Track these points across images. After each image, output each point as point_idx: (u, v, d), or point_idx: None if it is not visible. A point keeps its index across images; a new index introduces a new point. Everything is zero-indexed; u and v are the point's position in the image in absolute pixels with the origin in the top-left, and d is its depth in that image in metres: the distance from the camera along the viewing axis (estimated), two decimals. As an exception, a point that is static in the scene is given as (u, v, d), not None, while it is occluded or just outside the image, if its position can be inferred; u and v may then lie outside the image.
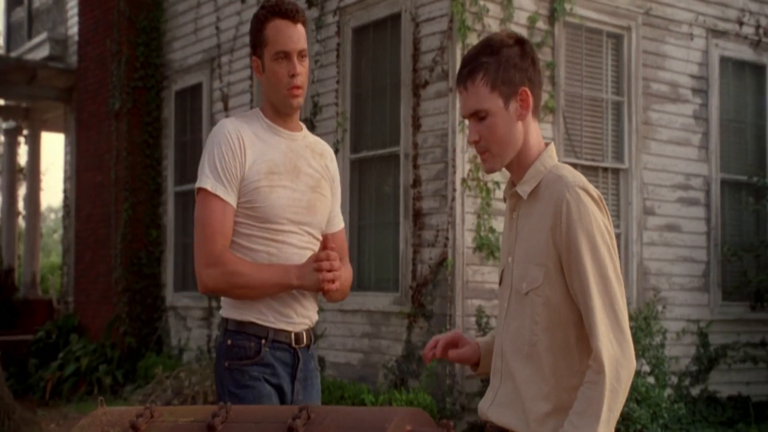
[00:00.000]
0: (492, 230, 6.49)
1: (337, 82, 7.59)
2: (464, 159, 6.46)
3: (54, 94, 11.75)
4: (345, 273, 2.66)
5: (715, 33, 7.86)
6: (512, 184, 2.14)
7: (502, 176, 6.52)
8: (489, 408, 2.09)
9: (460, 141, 6.44)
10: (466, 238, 6.41)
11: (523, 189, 2.08)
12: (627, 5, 7.34)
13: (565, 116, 6.98)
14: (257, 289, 2.53)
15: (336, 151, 7.50)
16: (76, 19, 11.53)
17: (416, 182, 6.72)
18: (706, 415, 7.21)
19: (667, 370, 6.34)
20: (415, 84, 6.79)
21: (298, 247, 2.61)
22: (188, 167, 9.67)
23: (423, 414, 1.82)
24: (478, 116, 2.06)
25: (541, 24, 6.90)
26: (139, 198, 9.88)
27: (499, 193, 6.55)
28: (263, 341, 2.55)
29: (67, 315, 11.11)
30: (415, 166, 6.74)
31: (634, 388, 5.80)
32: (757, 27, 8.16)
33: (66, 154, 12.05)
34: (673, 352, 7.09)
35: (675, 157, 7.57)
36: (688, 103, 7.69)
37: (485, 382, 6.05)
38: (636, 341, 6.18)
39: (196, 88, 9.51)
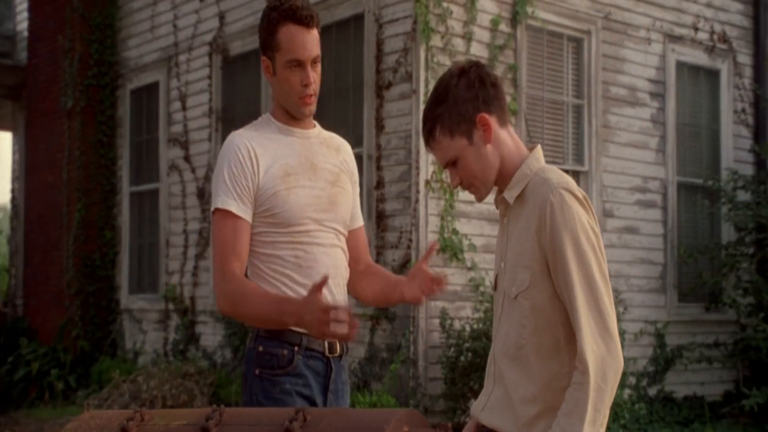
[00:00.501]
0: (455, 232, 6.53)
1: (299, 82, 7.56)
2: (428, 161, 6.49)
3: (1, 92, 11.51)
4: (375, 270, 2.68)
5: (672, 38, 8.03)
6: (500, 191, 2.18)
7: (465, 178, 6.57)
8: (481, 411, 2.12)
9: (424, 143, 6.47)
10: (429, 240, 6.44)
11: (510, 194, 2.12)
12: (587, 9, 7.46)
13: (527, 119, 7.06)
14: (259, 320, 2.47)
15: (297, 152, 7.49)
16: (25, 14, 11.31)
17: (380, 184, 6.74)
18: (663, 415, 7.35)
19: (626, 370, 6.45)
20: (379, 85, 6.81)
21: (326, 246, 2.54)
22: (144, 167, 9.55)
23: (418, 415, 1.83)
24: (451, 163, 2.14)
25: (503, 27, 6.97)
26: (93, 198, 9.73)
27: (463, 195, 6.60)
28: (296, 349, 2.47)
29: (15, 318, 10.89)
30: (379, 168, 6.75)
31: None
32: (712, 33, 8.35)
33: (14, 153, 11.81)
34: (631, 353, 7.21)
35: (633, 160, 7.71)
36: (645, 107, 7.84)
37: (449, 384, 6.10)
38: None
39: (153, 87, 9.40)
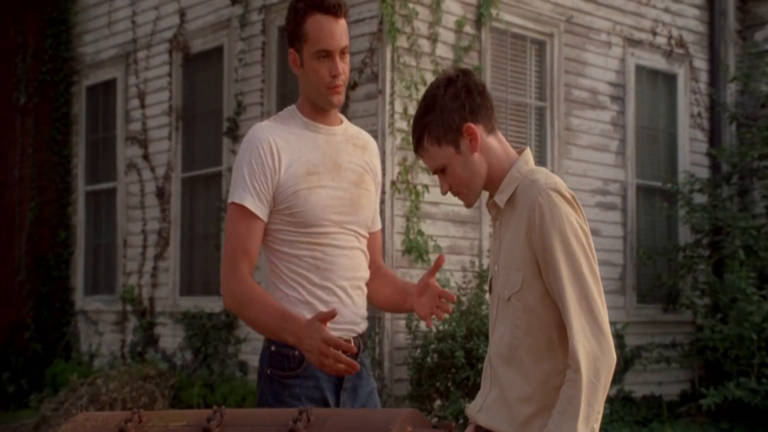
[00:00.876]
0: (421, 233, 6.57)
1: (263, 81, 7.54)
2: (394, 161, 6.52)
3: (-50, 87, 11.24)
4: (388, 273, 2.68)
5: (631, 42, 8.17)
6: (491, 195, 2.21)
7: (431, 180, 6.61)
8: (478, 412, 2.14)
9: (390, 143, 6.50)
10: (395, 241, 6.47)
11: (500, 198, 2.16)
12: (550, 12, 7.56)
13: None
14: (259, 330, 2.46)
15: (260, 152, 7.46)
16: (-24, 8, 11.06)
17: (345, 184, 6.73)
18: (623, 414, 7.48)
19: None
20: (344, 85, 6.80)
21: (344, 248, 2.49)
22: (101, 165, 9.42)
23: (419, 414, 1.85)
24: (439, 171, 2.18)
25: (468, 28, 7.03)
26: (47, 197, 9.56)
27: (429, 196, 6.64)
28: None
29: (-36, 320, 10.64)
30: (344, 168, 6.75)
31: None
32: (669, 38, 8.52)
33: (-37, 150, 11.54)
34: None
35: (594, 162, 7.83)
36: (606, 110, 7.97)
37: (414, 385, 6.13)
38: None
39: (110, 84, 9.27)
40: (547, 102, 7.53)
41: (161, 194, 8.49)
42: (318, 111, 2.53)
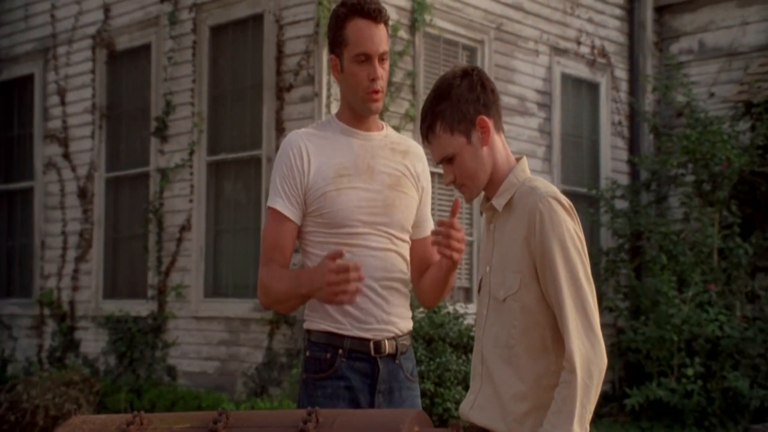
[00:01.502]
0: (356, 236, 6.63)
1: (193, 81, 7.48)
2: (330, 164, 6.56)
3: None
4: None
5: (557, 51, 8.44)
6: (487, 198, 2.29)
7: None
8: (470, 410, 2.22)
9: (326, 146, 6.53)
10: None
11: (498, 202, 2.24)
12: (481, 19, 7.73)
13: (424, 125, 7.25)
14: (284, 300, 2.48)
15: (191, 153, 7.40)
16: None
17: (280, 187, 6.74)
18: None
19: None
20: (279, 87, 6.82)
21: (375, 249, 2.51)
22: (15, 164, 9.15)
23: (424, 415, 1.91)
24: (447, 160, 2.24)
25: (402, 33, 7.14)
26: (-43, 196, 9.23)
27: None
28: (340, 351, 2.47)
29: None
30: (279, 171, 6.76)
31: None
32: (593, 47, 8.83)
33: None
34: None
35: (522, 168, 8.04)
36: (534, 117, 8.20)
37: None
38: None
39: (27, 80, 9.01)
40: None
41: (83, 194, 8.30)
42: (357, 117, 2.57)
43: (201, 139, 7.38)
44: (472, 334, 6.47)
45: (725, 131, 7.73)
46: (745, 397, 7.34)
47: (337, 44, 2.53)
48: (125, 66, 8.20)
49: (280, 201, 2.50)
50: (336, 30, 2.52)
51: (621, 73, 9.10)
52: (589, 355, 2.08)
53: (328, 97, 6.56)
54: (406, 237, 2.60)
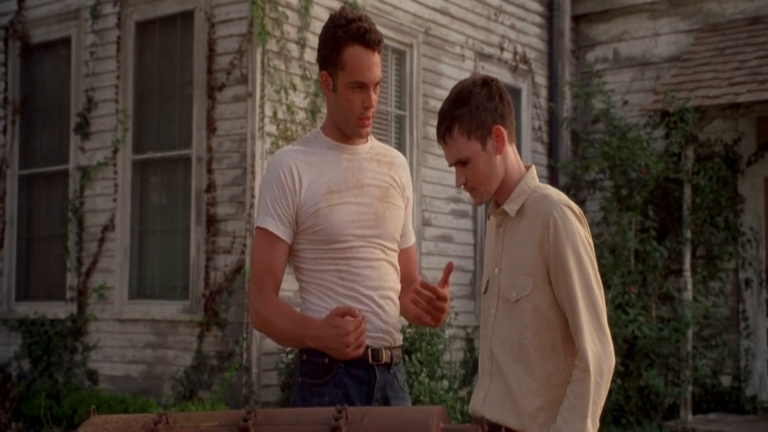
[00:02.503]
0: (289, 238, 6.69)
1: (117, 77, 7.39)
2: (263, 165, 6.60)
3: None
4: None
5: (482, 56, 8.69)
6: (496, 203, 2.43)
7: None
8: (482, 406, 2.36)
9: (260, 146, 6.58)
10: (264, 246, 6.54)
11: (511, 207, 2.38)
12: (410, 23, 7.91)
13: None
14: (287, 340, 2.55)
15: (115, 151, 7.31)
16: None
17: (211, 187, 6.75)
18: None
19: (444, 374, 6.94)
20: (211, 86, 6.82)
21: (370, 260, 2.57)
22: None
23: (445, 412, 2.03)
24: (460, 162, 2.36)
25: (335, 35, 7.23)
26: None
27: (296, 201, 6.77)
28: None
29: None
30: (210, 171, 6.76)
31: (433, 392, 6.30)
32: (515, 54, 9.13)
33: None
34: (445, 356, 7.72)
35: (449, 171, 8.24)
36: (459, 121, 8.41)
37: (285, 390, 6.25)
38: (420, 350, 6.72)
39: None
40: (406, 111, 7.88)
41: (-5, 192, 8.08)
42: (343, 134, 2.64)
43: (126, 137, 7.29)
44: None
45: (643, 138, 8.13)
46: (660, 394, 7.74)
47: (331, 64, 2.56)
48: (42, 59, 8.02)
49: (272, 221, 2.54)
50: (332, 51, 2.55)
51: (541, 80, 9.43)
52: (600, 355, 2.24)
53: (262, 97, 6.60)
54: (396, 247, 2.67)
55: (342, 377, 2.52)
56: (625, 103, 9.41)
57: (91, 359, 7.33)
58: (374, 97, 2.58)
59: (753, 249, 8.63)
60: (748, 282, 8.60)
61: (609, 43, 9.80)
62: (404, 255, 2.72)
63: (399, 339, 2.64)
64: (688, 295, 7.93)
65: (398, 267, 2.68)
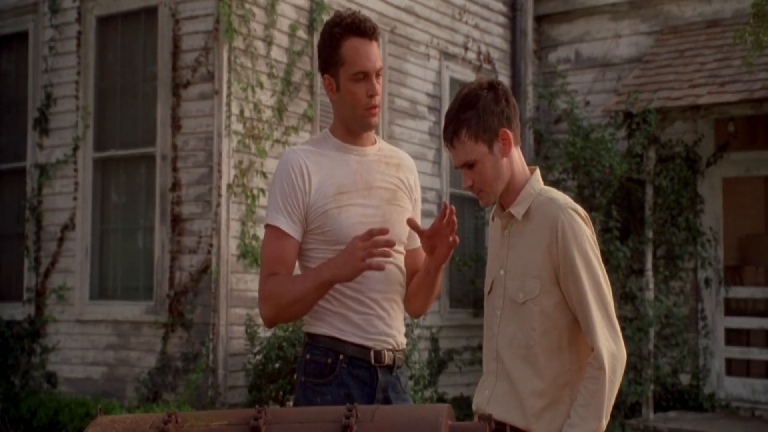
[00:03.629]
0: (256, 238, 6.71)
1: (78, 73, 7.33)
2: (230, 164, 6.61)
3: None
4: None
5: (447, 55, 8.79)
6: (501, 205, 2.50)
7: (266, 184, 6.78)
8: (487, 404, 2.43)
9: (226, 145, 6.59)
10: (230, 245, 6.57)
11: (517, 210, 2.44)
12: (376, 21, 7.94)
13: (321, 126, 7.41)
14: (302, 299, 2.53)
15: (75, 149, 7.26)
16: None
17: (176, 186, 6.74)
18: (436, 415, 8.03)
19: (417, 374, 7.02)
20: (176, 83, 6.81)
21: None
22: None
23: (451, 410, 2.10)
24: (467, 165, 2.42)
25: (301, 33, 7.27)
26: None
27: (263, 201, 6.79)
28: (341, 357, 2.56)
29: None
30: (175, 169, 6.75)
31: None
32: (479, 53, 9.25)
33: None
34: (413, 357, 7.81)
35: (414, 170, 8.33)
36: (425, 120, 8.52)
37: (253, 392, 6.27)
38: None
39: None
40: (372, 110, 7.93)
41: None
42: (351, 133, 2.67)
43: (87, 134, 7.24)
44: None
45: (607, 139, 8.30)
46: (623, 393, 7.91)
47: (332, 64, 2.61)
48: (-2, 54, 7.92)
49: (283, 219, 2.58)
50: (330, 50, 2.60)
51: (504, 80, 9.56)
52: (614, 352, 2.33)
53: (228, 95, 6.61)
54: (403, 249, 2.71)
55: (344, 377, 2.56)
56: (587, 103, 9.59)
57: (50, 361, 7.26)
58: (377, 86, 2.61)
59: (712, 249, 8.87)
60: (707, 281, 8.83)
61: (571, 43, 9.98)
62: (412, 255, 2.76)
63: (403, 342, 2.68)
64: (650, 294, 8.12)
65: (404, 269, 2.72)
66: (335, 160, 2.64)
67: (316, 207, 2.59)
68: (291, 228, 2.58)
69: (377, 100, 2.62)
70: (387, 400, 2.61)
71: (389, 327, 2.63)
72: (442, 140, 2.51)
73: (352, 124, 2.65)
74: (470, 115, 2.40)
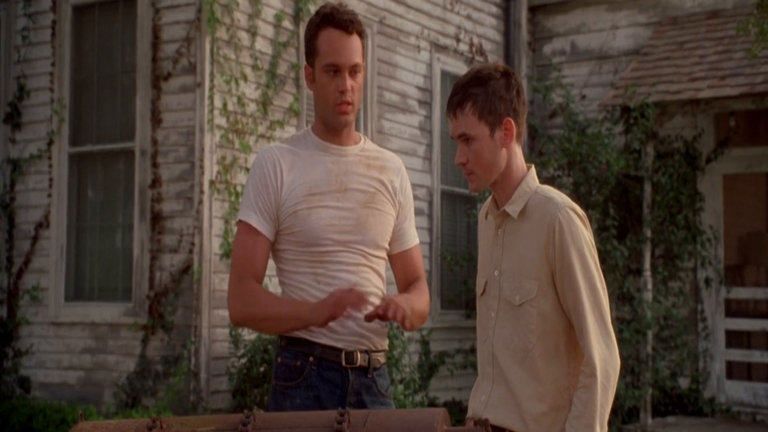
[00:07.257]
0: (239, 236, 6.69)
1: (53, 64, 7.30)
2: (213, 160, 6.60)
3: None
4: (418, 296, 2.68)
5: (438, 47, 8.80)
6: (495, 203, 2.50)
7: (251, 180, 6.76)
8: (484, 409, 2.43)
9: (209, 140, 6.57)
10: (213, 244, 6.55)
11: (512, 209, 2.44)
12: (364, 12, 7.96)
13: (307, 120, 7.40)
14: (276, 321, 2.59)
15: (49, 143, 7.23)
16: None
17: (156, 182, 6.72)
18: (427, 420, 8.03)
19: (407, 378, 7.02)
20: (156, 75, 6.79)
21: (348, 264, 2.62)
22: None
23: (447, 415, 2.11)
24: (464, 138, 2.42)
25: (287, 24, 7.26)
26: None
27: (247, 198, 6.78)
28: (311, 359, 2.57)
29: None
30: (155, 165, 6.73)
31: (393, 397, 6.37)
32: (471, 45, 9.26)
33: None
34: (404, 359, 7.81)
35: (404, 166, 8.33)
36: (415, 114, 8.52)
37: (237, 396, 6.26)
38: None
39: None
40: (360, 104, 7.92)
41: None
42: (330, 131, 2.67)
43: (62, 128, 7.21)
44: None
45: (604, 134, 8.32)
46: (620, 398, 7.94)
47: (310, 54, 2.65)
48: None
49: (254, 216, 2.61)
50: (309, 39, 2.64)
51: (497, 72, 9.57)
52: (607, 358, 2.33)
53: (211, 88, 6.59)
54: (382, 254, 2.71)
55: (313, 379, 2.58)
56: (583, 97, 9.62)
57: (22, 365, 7.23)
58: (351, 82, 2.59)
59: (712, 248, 8.91)
60: (707, 281, 8.87)
61: (566, 35, 10.00)
62: (401, 258, 2.77)
63: (381, 343, 2.67)
64: (648, 295, 8.15)
65: (383, 274, 2.72)
66: (310, 160, 2.65)
67: (286, 207, 2.61)
68: (262, 225, 2.61)
69: (348, 96, 2.60)
70: (361, 404, 2.60)
71: (361, 327, 2.62)
72: (446, 111, 2.49)
73: (327, 120, 2.66)
74: (479, 91, 2.40)
